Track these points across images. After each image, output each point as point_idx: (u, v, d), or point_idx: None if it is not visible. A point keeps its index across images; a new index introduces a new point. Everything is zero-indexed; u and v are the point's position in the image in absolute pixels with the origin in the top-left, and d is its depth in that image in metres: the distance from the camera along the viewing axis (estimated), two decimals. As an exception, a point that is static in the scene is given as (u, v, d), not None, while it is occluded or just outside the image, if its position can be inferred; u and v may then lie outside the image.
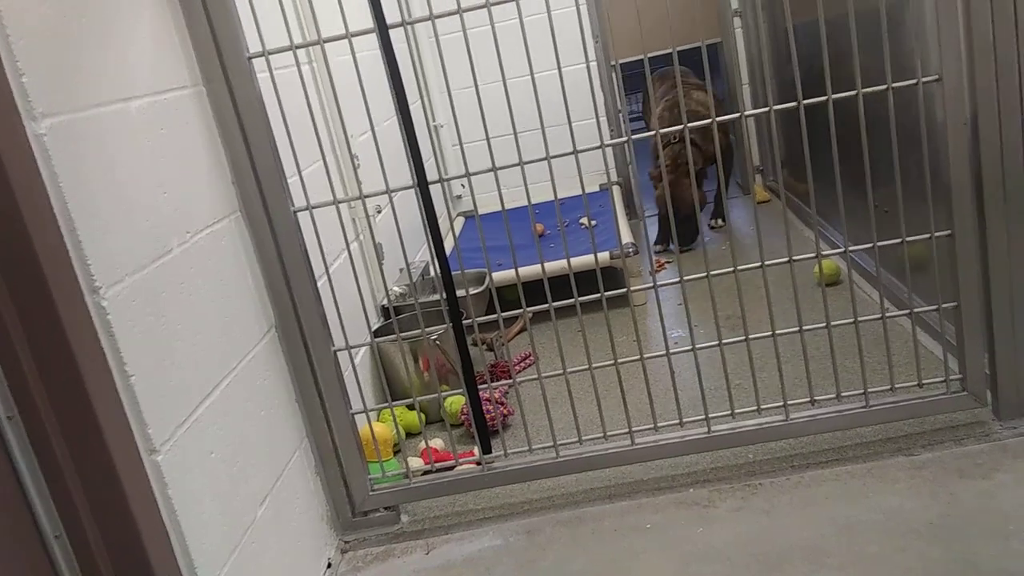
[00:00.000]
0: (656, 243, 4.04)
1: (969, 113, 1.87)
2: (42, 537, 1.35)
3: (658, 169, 3.93)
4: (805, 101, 1.92)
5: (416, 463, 2.36)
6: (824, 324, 2.06)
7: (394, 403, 2.19)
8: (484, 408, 2.28)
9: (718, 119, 1.97)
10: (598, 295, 2.06)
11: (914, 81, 1.87)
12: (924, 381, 2.06)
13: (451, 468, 2.25)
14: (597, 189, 4.63)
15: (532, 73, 1.89)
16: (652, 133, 2.06)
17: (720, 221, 4.10)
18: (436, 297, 3.07)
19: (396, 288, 3.14)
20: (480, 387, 2.17)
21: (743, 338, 2.08)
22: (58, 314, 1.30)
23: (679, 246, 3.87)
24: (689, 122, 1.89)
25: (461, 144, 1.98)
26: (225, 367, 1.77)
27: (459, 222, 4.57)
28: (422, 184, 1.97)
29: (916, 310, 2.03)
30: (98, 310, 1.39)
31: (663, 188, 3.93)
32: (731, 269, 2.02)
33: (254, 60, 1.89)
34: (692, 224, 3.88)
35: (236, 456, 1.75)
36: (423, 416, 2.67)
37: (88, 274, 1.38)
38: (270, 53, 1.89)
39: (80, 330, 1.34)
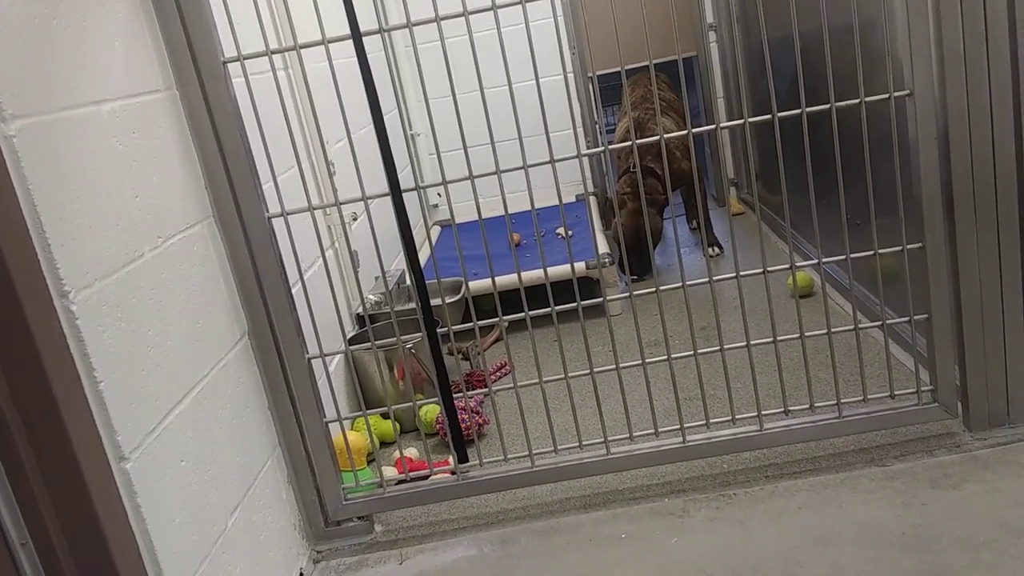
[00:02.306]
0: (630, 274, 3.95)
1: (940, 127, 1.89)
2: (8, 544, 1.32)
3: (617, 196, 3.86)
4: (780, 114, 1.94)
5: (390, 472, 2.34)
6: (798, 335, 2.08)
7: (368, 412, 2.17)
8: (459, 417, 2.27)
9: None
10: (574, 304, 2.06)
11: (886, 95, 1.89)
12: (896, 392, 2.08)
13: (426, 478, 2.24)
14: (574, 199, 4.64)
15: (510, 83, 1.90)
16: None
17: (716, 249, 3.97)
18: (412, 305, 3.06)
19: (371, 296, 3.12)
20: (455, 396, 2.16)
21: (718, 348, 2.09)
22: (26, 318, 1.28)
23: (631, 276, 3.84)
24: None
25: (438, 152, 1.97)
26: (197, 374, 1.75)
27: (435, 231, 4.56)
28: (395, 192, 1.96)
29: (888, 322, 2.05)
30: (67, 315, 1.37)
31: (615, 221, 3.84)
32: (706, 280, 2.03)
33: (229, 65, 1.88)
34: (645, 257, 3.83)
35: (207, 464, 1.73)
36: (398, 425, 2.65)
37: (57, 278, 1.36)
38: (245, 58, 1.87)
39: (48, 335, 1.32)
